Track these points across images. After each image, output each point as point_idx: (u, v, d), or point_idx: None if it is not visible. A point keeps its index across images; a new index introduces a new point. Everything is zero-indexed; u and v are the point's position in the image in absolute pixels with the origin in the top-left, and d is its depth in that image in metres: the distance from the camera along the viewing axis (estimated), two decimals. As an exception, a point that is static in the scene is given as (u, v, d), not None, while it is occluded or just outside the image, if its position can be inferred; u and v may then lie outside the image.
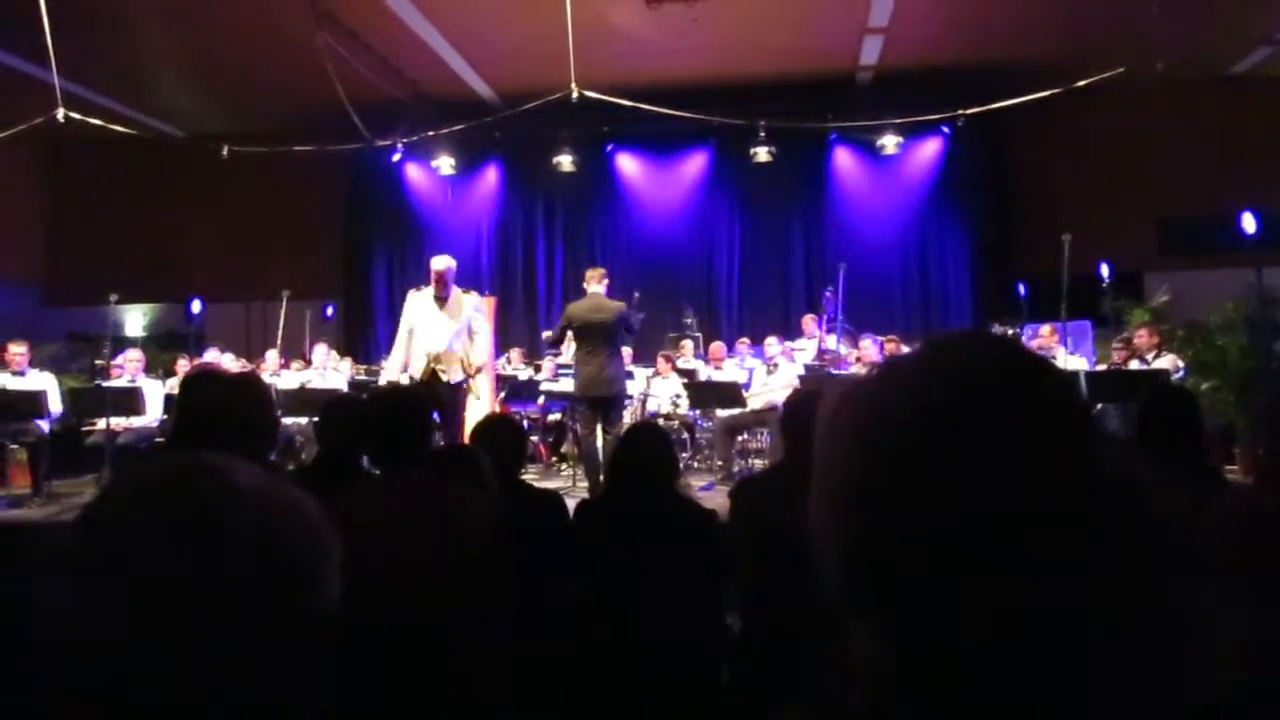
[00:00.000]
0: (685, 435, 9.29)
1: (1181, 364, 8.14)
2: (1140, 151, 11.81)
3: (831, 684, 0.73)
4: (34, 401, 7.60)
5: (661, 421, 8.86)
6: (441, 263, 7.12)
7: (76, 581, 0.72)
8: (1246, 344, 8.18)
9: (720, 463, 8.55)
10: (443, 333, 6.97)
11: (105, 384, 8.42)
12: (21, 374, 7.96)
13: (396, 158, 12.11)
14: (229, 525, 0.74)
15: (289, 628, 0.74)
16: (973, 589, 0.62)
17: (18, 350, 8.02)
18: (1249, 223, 9.39)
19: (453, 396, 6.92)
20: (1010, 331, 8.59)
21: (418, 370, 6.93)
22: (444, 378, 6.91)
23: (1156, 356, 8.15)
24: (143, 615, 0.69)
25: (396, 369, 7.13)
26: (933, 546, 0.63)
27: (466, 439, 7.27)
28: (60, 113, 8.29)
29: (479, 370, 7.42)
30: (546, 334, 7.99)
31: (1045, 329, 8.72)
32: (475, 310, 7.30)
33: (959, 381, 0.67)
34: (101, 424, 7.74)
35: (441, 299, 7.04)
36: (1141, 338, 8.34)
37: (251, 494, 0.76)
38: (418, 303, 7.11)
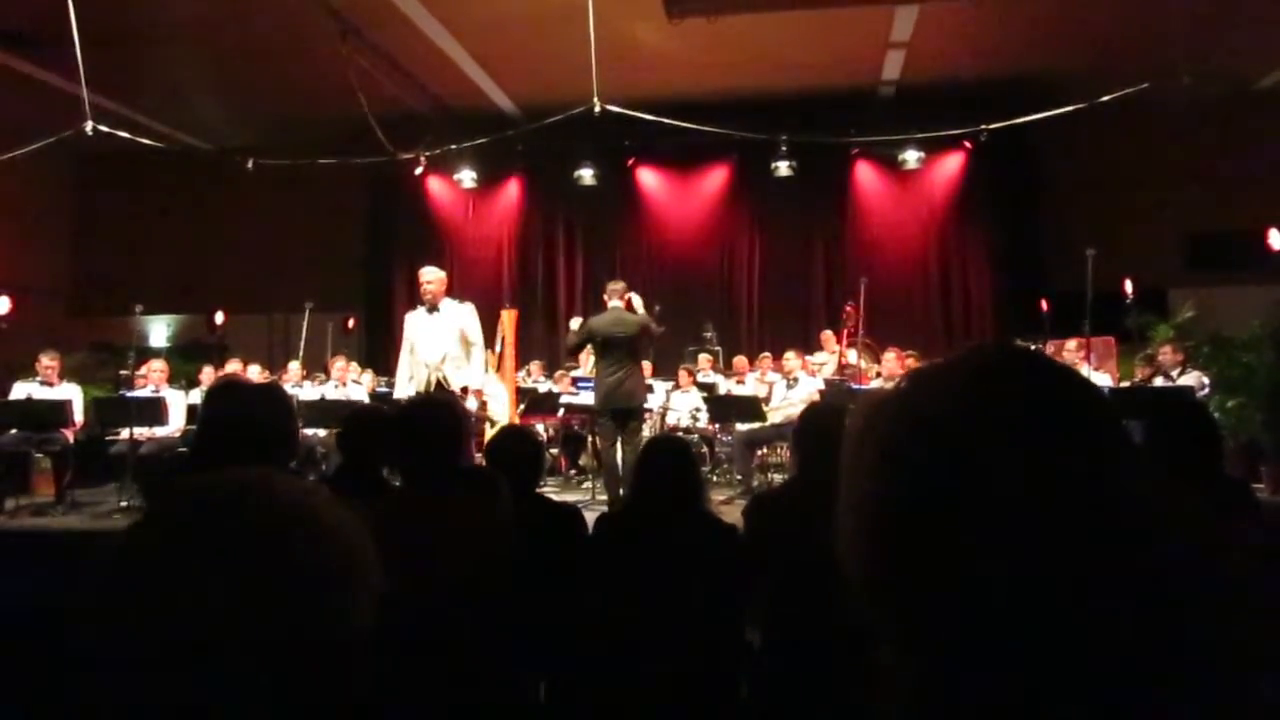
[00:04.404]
0: (705, 449, 9.26)
1: (1206, 380, 8.06)
2: (1165, 167, 11.73)
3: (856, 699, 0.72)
4: (60, 411, 7.68)
5: (680, 435, 8.85)
6: (429, 274, 7.32)
7: (126, 596, 0.72)
8: (1273, 360, 8.08)
9: (740, 477, 8.53)
10: (435, 344, 7.12)
11: (129, 394, 8.48)
12: (51, 386, 8.04)
13: (419, 171, 12.10)
14: (280, 540, 0.75)
15: (330, 638, 0.75)
16: (1002, 604, 0.61)
17: (49, 363, 8.09)
18: (1275, 239, 9.31)
19: (461, 405, 6.97)
20: (1033, 347, 8.51)
21: (421, 384, 7.09)
22: (448, 385, 7.03)
23: (1181, 373, 8.07)
24: (193, 629, 0.70)
25: (402, 387, 7.35)
26: (962, 560, 0.62)
27: (476, 451, 7.34)
28: (88, 125, 8.38)
29: (479, 391, 7.52)
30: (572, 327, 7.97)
31: (1071, 344, 8.65)
32: (468, 316, 7.35)
33: (989, 394, 0.66)
34: (125, 434, 7.80)
35: (432, 310, 7.20)
36: (1166, 354, 8.26)
37: (300, 508, 0.77)
38: (412, 320, 7.35)
